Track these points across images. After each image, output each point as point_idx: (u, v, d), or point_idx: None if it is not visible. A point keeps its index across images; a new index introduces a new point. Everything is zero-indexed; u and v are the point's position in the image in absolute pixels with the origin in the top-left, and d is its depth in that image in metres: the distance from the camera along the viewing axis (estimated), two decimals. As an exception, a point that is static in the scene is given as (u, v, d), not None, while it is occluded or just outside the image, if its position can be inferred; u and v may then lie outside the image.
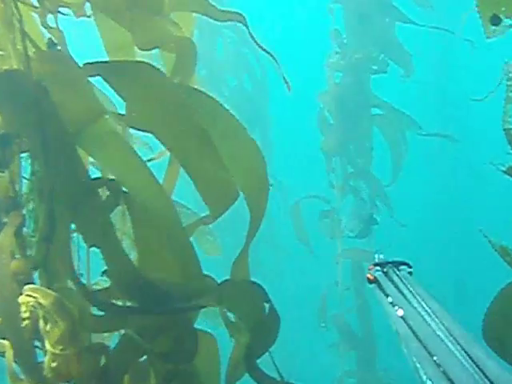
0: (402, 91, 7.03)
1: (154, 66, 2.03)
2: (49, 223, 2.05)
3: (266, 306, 2.22)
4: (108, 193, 2.16)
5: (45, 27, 2.21)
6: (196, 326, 2.25)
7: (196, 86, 2.44)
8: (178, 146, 2.08)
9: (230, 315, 2.17)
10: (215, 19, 2.16)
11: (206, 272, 2.26)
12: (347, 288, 5.99)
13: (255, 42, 2.17)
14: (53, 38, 2.16)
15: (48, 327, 1.94)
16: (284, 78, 2.35)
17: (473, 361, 1.27)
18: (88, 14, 2.24)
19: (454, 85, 10.11)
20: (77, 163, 2.08)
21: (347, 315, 5.99)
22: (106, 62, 2.08)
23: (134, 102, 2.04)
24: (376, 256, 1.83)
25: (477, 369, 1.24)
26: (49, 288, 2.06)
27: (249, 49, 6.74)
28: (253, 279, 2.29)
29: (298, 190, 7.17)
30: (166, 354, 2.07)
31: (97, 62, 2.02)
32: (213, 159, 2.04)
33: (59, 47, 2.15)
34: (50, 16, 2.22)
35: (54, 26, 2.21)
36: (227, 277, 2.29)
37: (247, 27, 2.14)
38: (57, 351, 1.89)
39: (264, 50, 2.20)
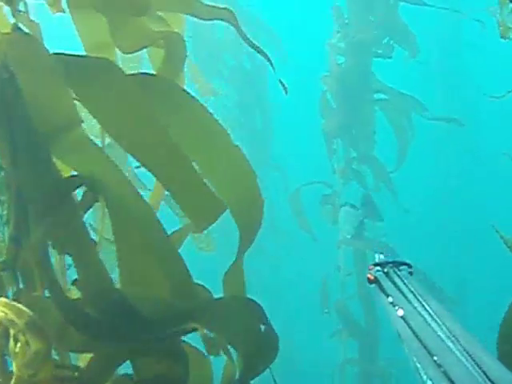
0: (407, 74, 6.83)
1: (115, 64, 1.84)
2: (17, 222, 1.88)
3: (263, 327, 2.03)
4: (84, 189, 1.99)
5: (17, 20, 2.02)
6: (188, 340, 2.13)
7: (184, 85, 2.28)
8: (145, 156, 1.87)
9: (219, 338, 2.00)
10: (200, 18, 1.95)
11: (204, 269, 2.11)
12: (349, 273, 5.91)
13: (248, 41, 1.97)
14: (20, 25, 1.97)
15: (17, 348, 1.75)
16: (280, 81, 2.16)
17: (474, 361, 1.24)
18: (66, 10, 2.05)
19: (461, 68, 9.84)
20: (47, 160, 1.88)
21: (349, 302, 5.91)
22: (66, 54, 1.84)
23: (94, 103, 1.85)
24: (376, 256, 1.80)
25: (478, 369, 1.22)
26: (18, 294, 1.91)
27: (248, 29, 6.51)
28: (253, 264, 2.12)
29: (298, 173, 7.05)
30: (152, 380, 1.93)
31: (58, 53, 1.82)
32: (187, 172, 1.84)
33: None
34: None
35: (30, 18, 2.03)
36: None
37: (237, 26, 1.94)
38: (24, 376, 1.71)
39: (258, 50, 2.00)
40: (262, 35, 6.69)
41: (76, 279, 1.91)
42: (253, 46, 2.01)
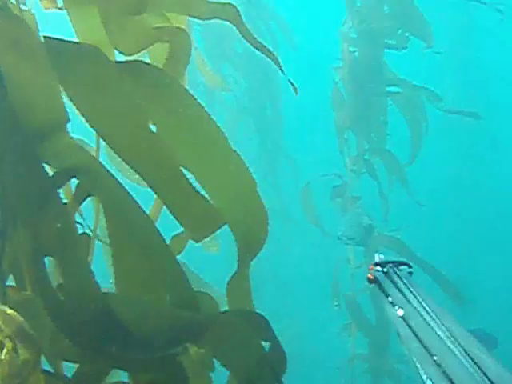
0: (422, 65, 6.65)
1: (103, 52, 1.70)
2: (3, 217, 1.78)
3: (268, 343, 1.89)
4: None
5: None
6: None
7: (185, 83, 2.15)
8: (132, 157, 1.73)
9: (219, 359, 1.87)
10: (200, 18, 1.81)
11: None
12: (359, 266, 5.82)
13: (253, 41, 1.83)
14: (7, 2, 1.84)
15: (3, 355, 1.65)
16: (290, 81, 2.03)
17: (473, 360, 1.26)
18: (60, 6, 1.94)
19: (478, 58, 9.57)
20: (32, 154, 1.76)
21: (359, 295, 5.83)
22: (53, 38, 1.70)
23: (77, 92, 1.71)
24: (376, 256, 1.81)
25: (477, 368, 1.23)
26: (5, 292, 1.81)
27: (258, 14, 6.37)
28: (263, 256, 1.99)
29: (309, 163, 6.94)
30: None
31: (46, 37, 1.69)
32: (179, 181, 1.71)
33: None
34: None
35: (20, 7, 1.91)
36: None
37: (241, 24, 1.80)
38: (7, 387, 1.62)
39: (264, 50, 1.86)
40: (271, 23, 6.55)
41: (61, 284, 1.78)
42: (258, 45, 1.87)
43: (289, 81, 2.11)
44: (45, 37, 1.75)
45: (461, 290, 5.23)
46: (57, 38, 1.74)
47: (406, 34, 5.08)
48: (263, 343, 1.90)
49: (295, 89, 2.14)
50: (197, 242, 1.87)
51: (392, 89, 5.39)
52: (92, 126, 1.78)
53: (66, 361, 1.91)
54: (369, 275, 1.73)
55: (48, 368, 1.88)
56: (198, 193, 1.71)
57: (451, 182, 9.98)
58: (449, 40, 9.22)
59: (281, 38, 6.71)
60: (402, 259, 1.77)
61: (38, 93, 1.79)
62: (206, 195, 1.80)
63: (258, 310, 2.01)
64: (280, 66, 1.94)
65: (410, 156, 5.58)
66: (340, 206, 5.77)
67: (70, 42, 1.78)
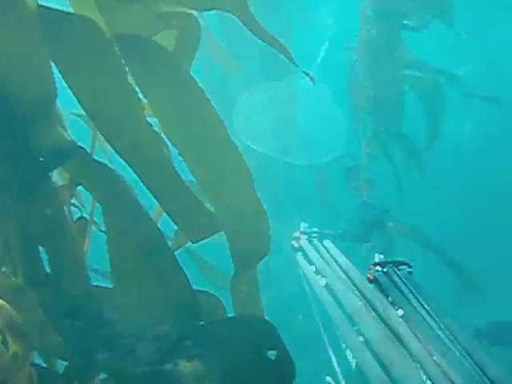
0: (441, 47, 6.44)
1: (99, 26, 1.57)
2: None
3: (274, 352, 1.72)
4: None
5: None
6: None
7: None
8: (122, 147, 1.61)
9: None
10: (201, 10, 1.68)
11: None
12: (371, 250, 5.73)
13: (263, 34, 1.70)
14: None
15: None
16: (306, 73, 1.91)
17: (473, 360, 1.26)
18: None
19: (499, 39, 9.25)
20: (22, 136, 1.65)
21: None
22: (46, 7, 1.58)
23: (69, 67, 1.59)
24: (376, 255, 1.94)
25: (477, 368, 1.23)
26: None
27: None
28: (275, 239, 1.88)
29: (324, 144, 6.79)
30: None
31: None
32: (176, 184, 1.60)
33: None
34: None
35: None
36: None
37: (248, 16, 1.67)
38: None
39: (275, 44, 1.73)
40: (286, 3, 6.36)
41: (48, 273, 1.69)
42: (268, 38, 1.75)
43: (304, 72, 2.00)
44: (39, 5, 1.64)
45: (479, 280, 5.10)
46: (50, 8, 1.63)
47: (426, 15, 4.89)
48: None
49: (312, 79, 2.03)
50: (194, 243, 1.79)
51: (410, 71, 5.22)
52: (82, 106, 1.67)
53: (55, 356, 1.83)
54: (369, 275, 1.75)
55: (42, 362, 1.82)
56: (195, 196, 1.62)
57: (468, 166, 9.77)
58: (469, 21, 8.92)
59: (296, 13, 6.52)
60: (406, 254, 1.84)
61: (26, 66, 1.67)
62: (202, 190, 1.71)
63: (271, 299, 1.93)
64: (292, 60, 1.82)
65: (426, 139, 5.44)
66: (353, 189, 5.66)
67: (64, 12, 1.66)
